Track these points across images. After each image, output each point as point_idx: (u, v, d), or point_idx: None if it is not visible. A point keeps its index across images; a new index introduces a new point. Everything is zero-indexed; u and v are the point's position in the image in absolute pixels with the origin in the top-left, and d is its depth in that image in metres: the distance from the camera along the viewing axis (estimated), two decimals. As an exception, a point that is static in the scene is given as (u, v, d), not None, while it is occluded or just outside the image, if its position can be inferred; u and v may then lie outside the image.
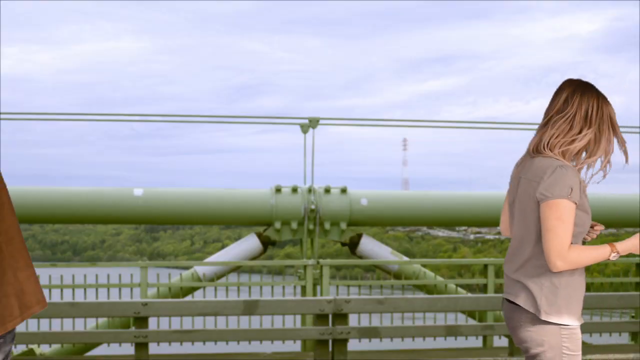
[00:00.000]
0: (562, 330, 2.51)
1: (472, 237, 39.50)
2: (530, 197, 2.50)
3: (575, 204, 2.46)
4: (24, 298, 2.18)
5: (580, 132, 2.54)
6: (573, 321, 2.53)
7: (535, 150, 2.57)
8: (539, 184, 2.47)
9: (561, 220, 2.44)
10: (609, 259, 2.53)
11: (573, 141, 2.53)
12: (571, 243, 2.46)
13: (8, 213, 2.17)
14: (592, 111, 2.57)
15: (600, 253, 2.50)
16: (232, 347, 6.68)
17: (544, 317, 2.50)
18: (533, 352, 2.53)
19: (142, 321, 6.08)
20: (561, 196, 2.44)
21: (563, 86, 2.60)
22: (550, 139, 2.54)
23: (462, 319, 7.83)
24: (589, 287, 8.27)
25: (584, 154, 2.58)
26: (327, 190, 8.82)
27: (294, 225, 8.74)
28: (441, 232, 39.98)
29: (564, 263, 2.44)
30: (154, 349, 6.43)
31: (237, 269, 8.13)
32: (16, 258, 2.16)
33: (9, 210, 2.19)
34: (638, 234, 2.56)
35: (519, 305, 2.56)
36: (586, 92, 2.57)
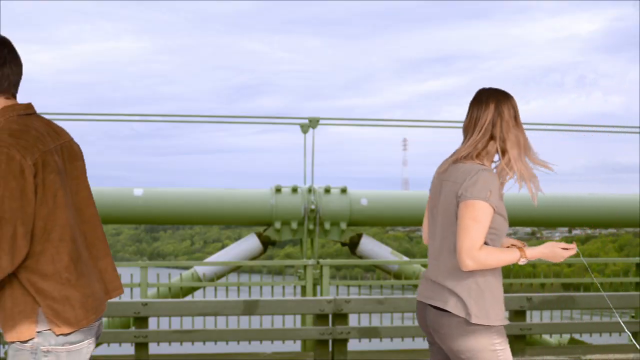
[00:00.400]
0: (491, 333, 2.54)
1: (472, 237, 39.47)
2: (454, 198, 2.54)
3: (493, 208, 2.50)
4: (105, 284, 2.27)
5: (488, 139, 2.58)
6: (501, 322, 2.57)
7: (460, 157, 2.61)
8: (461, 185, 2.52)
9: (475, 221, 2.47)
10: (518, 263, 2.57)
11: (484, 147, 2.58)
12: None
13: (92, 201, 2.26)
14: (497, 119, 2.58)
15: (509, 256, 2.54)
16: (232, 347, 6.68)
17: (474, 321, 2.51)
18: (466, 356, 2.53)
19: (142, 321, 6.07)
20: (479, 197, 2.48)
21: (479, 96, 2.63)
22: (468, 149, 2.58)
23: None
24: (588, 287, 8.30)
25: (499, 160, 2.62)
26: (327, 190, 8.82)
27: (294, 225, 8.74)
28: (441, 232, 39.93)
29: (473, 262, 2.47)
30: (154, 349, 6.43)
31: (237, 269, 8.14)
32: (98, 247, 2.25)
33: (92, 199, 2.27)
34: (549, 243, 2.60)
35: (448, 311, 2.55)
36: (500, 100, 2.60)
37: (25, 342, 2.10)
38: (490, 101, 2.58)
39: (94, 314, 2.18)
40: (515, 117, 2.59)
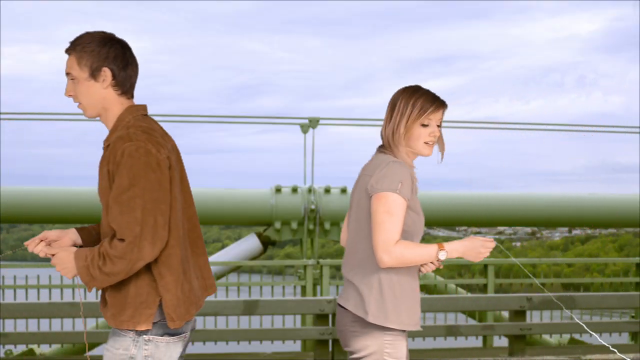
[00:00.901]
0: (385, 335, 2.43)
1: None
2: (364, 191, 2.46)
3: (406, 200, 2.40)
4: (203, 282, 2.34)
5: (389, 123, 2.49)
6: (398, 325, 2.43)
7: (379, 148, 2.55)
8: (371, 177, 2.43)
9: (389, 214, 2.37)
10: (438, 259, 2.40)
11: (391, 132, 2.48)
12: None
13: (193, 201, 2.34)
14: (399, 103, 2.49)
15: (427, 251, 2.39)
16: (232, 347, 6.68)
17: (370, 320, 2.41)
18: (356, 356, 2.45)
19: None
20: (390, 189, 2.38)
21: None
22: (384, 135, 2.52)
23: (462, 319, 7.83)
24: (588, 287, 8.30)
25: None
26: (327, 190, 8.82)
27: (294, 225, 8.74)
28: (441, 232, 39.96)
29: (390, 258, 2.36)
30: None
31: (237, 269, 8.13)
32: (198, 244, 2.32)
33: (192, 198, 2.35)
34: (470, 237, 2.43)
35: (348, 309, 2.47)
36: (407, 90, 2.52)
37: (139, 332, 2.17)
38: (395, 94, 2.54)
39: (195, 308, 2.27)
40: (410, 112, 2.47)
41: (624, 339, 7.67)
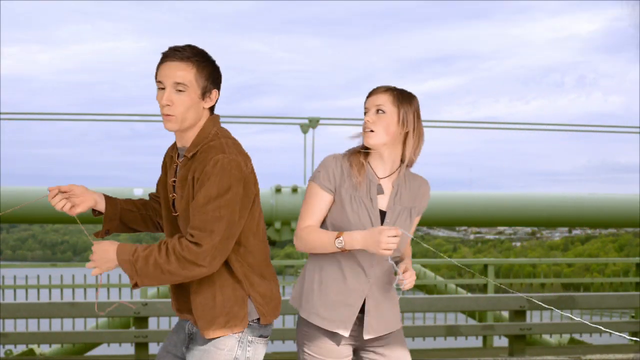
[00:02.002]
0: (303, 327, 2.41)
1: (472, 237, 39.50)
2: None
3: (323, 189, 2.35)
4: (278, 286, 2.37)
5: None
6: (313, 319, 2.37)
7: None
8: None
9: (305, 202, 2.39)
10: (336, 247, 2.30)
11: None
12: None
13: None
14: None
15: (326, 237, 2.31)
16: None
17: (300, 312, 2.44)
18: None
19: (142, 321, 6.07)
20: (312, 178, 2.39)
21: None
22: None
23: (462, 319, 7.83)
24: (588, 287, 8.30)
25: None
26: (327, 190, 8.82)
27: (294, 225, 8.74)
28: (441, 232, 39.97)
29: (298, 242, 2.38)
30: (154, 349, 6.43)
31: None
32: (267, 255, 2.33)
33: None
34: (376, 227, 2.25)
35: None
36: None
37: (241, 332, 2.21)
38: None
39: (278, 310, 2.31)
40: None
41: (624, 339, 7.67)
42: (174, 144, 2.31)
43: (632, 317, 7.56)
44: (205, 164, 2.11)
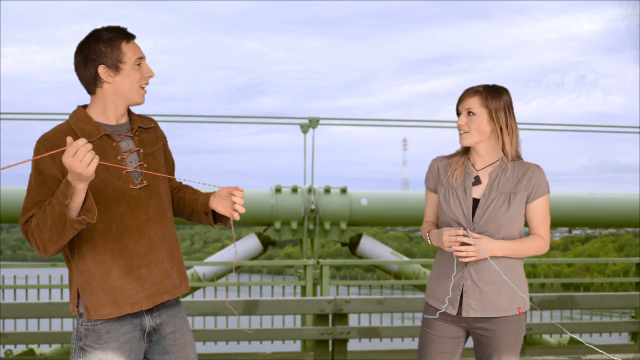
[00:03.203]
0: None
1: (472, 237, 39.48)
2: None
3: (427, 188, 2.77)
4: None
5: None
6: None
7: None
8: None
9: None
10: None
11: None
12: None
13: None
14: None
15: (426, 233, 2.81)
16: (232, 347, 6.67)
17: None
18: None
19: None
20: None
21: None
22: None
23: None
24: (588, 287, 8.30)
25: None
26: (327, 190, 8.82)
27: (294, 225, 8.74)
28: (441, 232, 39.94)
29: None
30: (154, 349, 6.42)
31: (237, 269, 8.14)
32: None
33: None
34: (441, 229, 2.65)
35: None
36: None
37: None
38: None
39: None
40: None
41: (624, 339, 7.67)
42: (75, 131, 2.26)
43: (632, 317, 7.56)
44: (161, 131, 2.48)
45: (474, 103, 2.56)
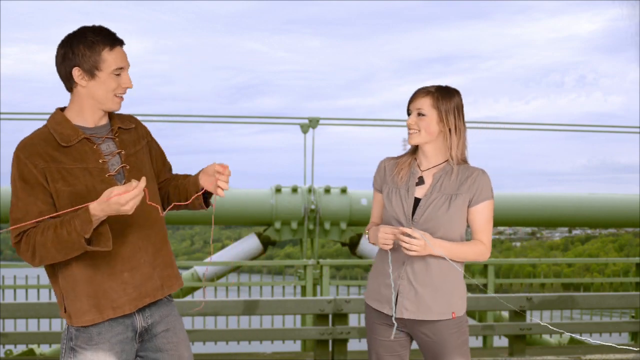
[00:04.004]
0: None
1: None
2: None
3: (374, 188, 2.80)
4: None
5: None
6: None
7: None
8: None
9: None
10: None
11: None
12: None
13: None
14: None
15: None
16: (232, 347, 6.67)
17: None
18: None
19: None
20: None
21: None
22: None
23: (462, 319, 7.82)
24: (588, 287, 8.29)
25: None
26: (327, 190, 8.81)
27: (294, 225, 8.73)
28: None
29: None
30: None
31: (237, 269, 8.14)
32: None
33: None
34: (378, 227, 2.66)
35: None
36: None
37: None
38: None
39: None
40: None
41: (624, 339, 7.67)
42: (54, 135, 2.22)
43: (632, 317, 7.56)
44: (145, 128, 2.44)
45: (425, 104, 2.58)
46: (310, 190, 8.76)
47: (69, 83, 2.24)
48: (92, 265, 2.21)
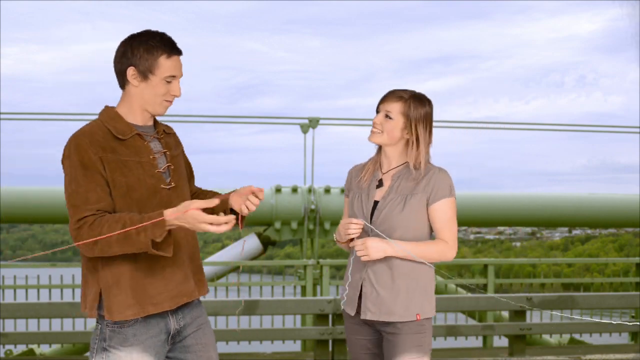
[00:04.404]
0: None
1: (472, 237, 39.48)
2: None
3: (345, 193, 2.80)
4: None
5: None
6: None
7: None
8: None
9: None
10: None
11: None
12: None
13: None
14: None
15: None
16: (232, 347, 6.67)
17: None
18: None
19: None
20: None
21: None
22: None
23: (462, 319, 7.83)
24: (588, 287, 8.30)
25: None
26: (327, 190, 8.81)
27: (294, 225, 8.73)
28: (441, 232, 39.90)
29: None
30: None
31: (237, 268, 8.13)
32: None
33: None
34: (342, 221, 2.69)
35: None
36: None
37: None
38: None
39: None
40: None
41: (624, 338, 7.67)
42: (109, 128, 2.28)
43: (632, 317, 7.56)
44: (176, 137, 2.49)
45: (395, 108, 2.57)
46: (310, 190, 8.76)
47: (122, 80, 2.33)
48: (136, 261, 2.26)
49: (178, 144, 2.48)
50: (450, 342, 6.97)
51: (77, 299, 6.81)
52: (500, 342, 7.46)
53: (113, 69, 2.35)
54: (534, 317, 7.21)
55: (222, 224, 2.10)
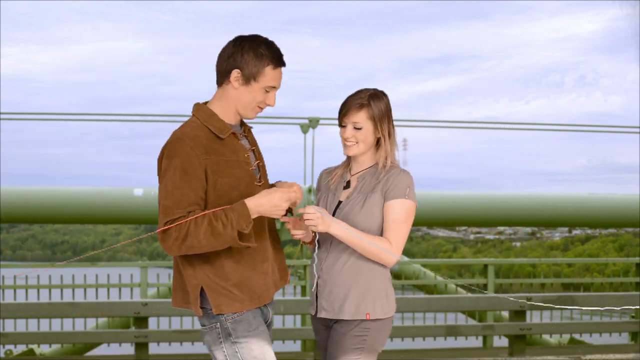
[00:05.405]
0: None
1: (472, 237, 39.51)
2: None
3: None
4: None
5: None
6: None
7: None
8: None
9: None
10: None
11: None
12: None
13: None
14: None
15: None
16: (232, 347, 6.67)
17: None
18: None
19: (142, 321, 6.07)
20: None
21: None
22: None
23: (462, 319, 7.83)
24: (588, 287, 8.30)
25: None
26: (327, 190, 8.80)
27: (294, 225, 8.72)
28: (441, 232, 39.98)
29: None
30: (154, 349, 6.43)
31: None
32: None
33: None
34: None
35: None
36: None
37: None
38: None
39: None
40: None
41: (624, 338, 7.67)
42: (209, 127, 2.34)
43: (632, 317, 7.56)
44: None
45: (361, 117, 2.54)
46: (310, 190, 8.75)
47: (222, 79, 2.37)
48: (238, 257, 2.33)
49: (255, 140, 2.55)
50: (450, 342, 6.98)
51: (77, 298, 6.82)
52: (500, 342, 7.46)
53: (215, 65, 2.38)
54: (534, 317, 7.21)
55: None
